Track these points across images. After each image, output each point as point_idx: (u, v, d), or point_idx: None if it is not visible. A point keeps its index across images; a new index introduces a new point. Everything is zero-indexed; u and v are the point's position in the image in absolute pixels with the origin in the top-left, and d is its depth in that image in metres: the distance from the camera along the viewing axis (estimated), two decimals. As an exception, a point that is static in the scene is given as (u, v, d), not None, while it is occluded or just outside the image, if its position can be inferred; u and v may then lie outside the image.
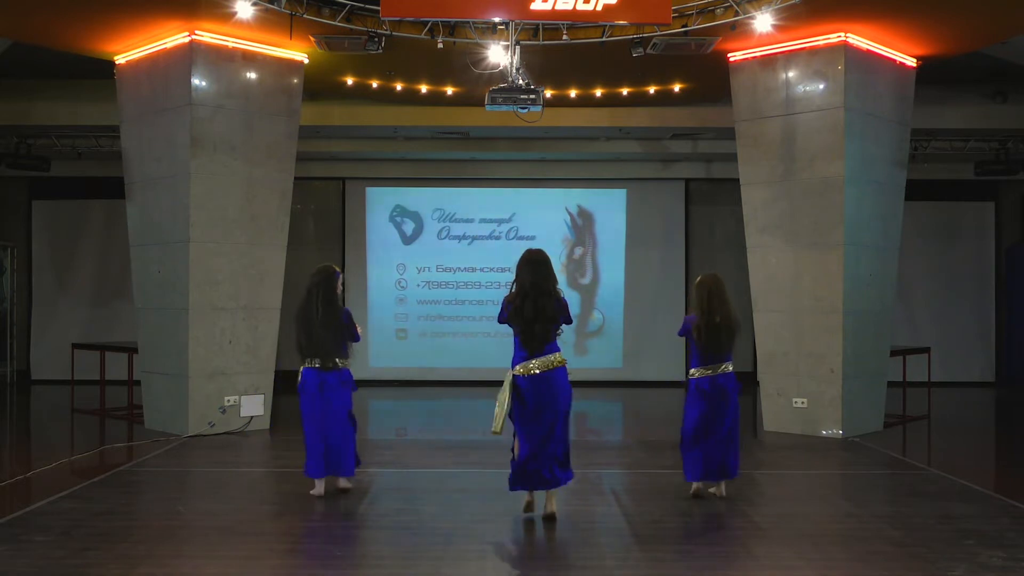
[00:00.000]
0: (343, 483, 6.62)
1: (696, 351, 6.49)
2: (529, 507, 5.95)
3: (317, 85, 10.68)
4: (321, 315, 6.38)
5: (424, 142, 13.46)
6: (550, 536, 5.61)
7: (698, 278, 6.63)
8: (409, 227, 14.65)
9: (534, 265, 5.81)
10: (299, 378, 6.51)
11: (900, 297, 11.75)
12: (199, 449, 8.42)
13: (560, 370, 5.82)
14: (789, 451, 8.50)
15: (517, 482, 5.86)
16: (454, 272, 14.57)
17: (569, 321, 5.90)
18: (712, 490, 6.55)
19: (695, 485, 6.51)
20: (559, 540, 5.55)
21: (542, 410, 5.75)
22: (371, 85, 10.99)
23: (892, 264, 9.79)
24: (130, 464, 7.74)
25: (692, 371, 6.53)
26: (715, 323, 6.35)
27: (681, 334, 6.69)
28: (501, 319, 5.90)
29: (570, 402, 5.88)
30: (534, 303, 5.72)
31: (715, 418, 6.40)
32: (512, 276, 5.96)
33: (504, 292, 6.00)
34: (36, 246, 14.64)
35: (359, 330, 6.67)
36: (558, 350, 5.84)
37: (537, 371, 5.75)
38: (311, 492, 6.54)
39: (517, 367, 5.80)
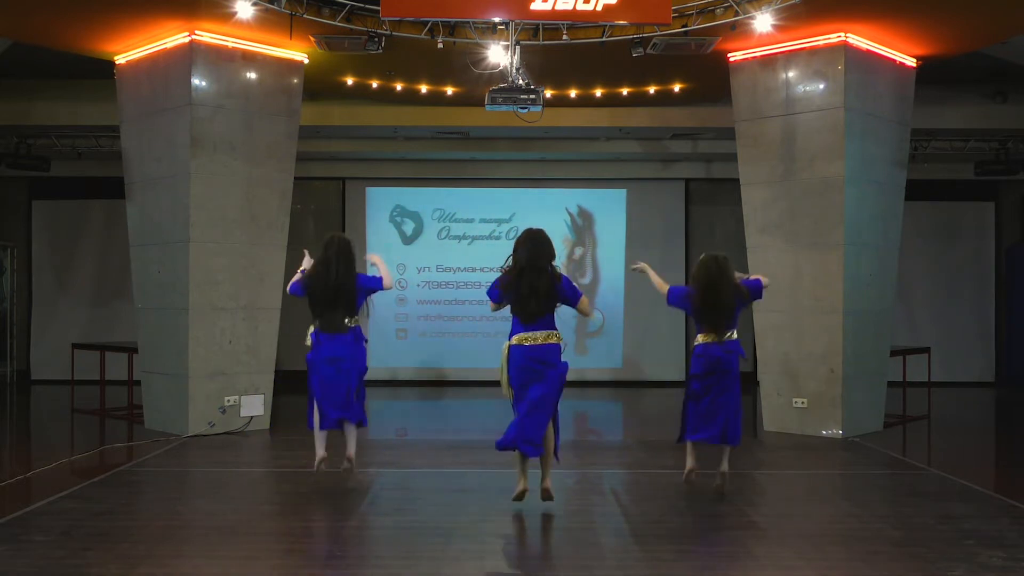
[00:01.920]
0: (350, 448, 6.58)
1: (696, 322, 6.56)
2: (521, 496, 5.95)
3: (317, 85, 10.68)
4: (340, 275, 6.38)
5: (424, 142, 13.46)
6: (550, 536, 5.62)
7: (701, 256, 6.63)
8: (409, 227, 14.65)
9: (531, 243, 5.88)
10: (309, 339, 6.57)
11: (900, 297, 11.74)
12: (199, 449, 8.42)
13: (555, 346, 5.87)
14: (789, 451, 8.50)
15: (504, 442, 5.88)
16: (454, 272, 14.57)
17: (578, 297, 5.92)
18: (717, 484, 6.55)
19: (689, 465, 6.49)
20: (559, 540, 5.56)
21: (533, 378, 5.81)
22: (371, 85, 10.99)
23: (892, 264, 9.79)
24: (130, 464, 7.74)
25: (699, 337, 6.53)
26: (710, 304, 6.40)
27: (671, 303, 6.68)
28: (491, 294, 5.98)
29: (562, 378, 5.91)
30: (529, 280, 5.79)
31: (719, 381, 6.41)
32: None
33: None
34: (36, 246, 14.63)
35: (385, 274, 6.67)
36: (555, 328, 5.91)
37: (530, 343, 5.81)
38: (316, 461, 6.54)
39: (514, 338, 5.88)
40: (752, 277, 6.87)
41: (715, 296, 6.40)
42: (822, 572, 4.84)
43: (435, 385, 14.11)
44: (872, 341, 9.49)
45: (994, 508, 6.30)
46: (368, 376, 6.83)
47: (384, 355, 14.23)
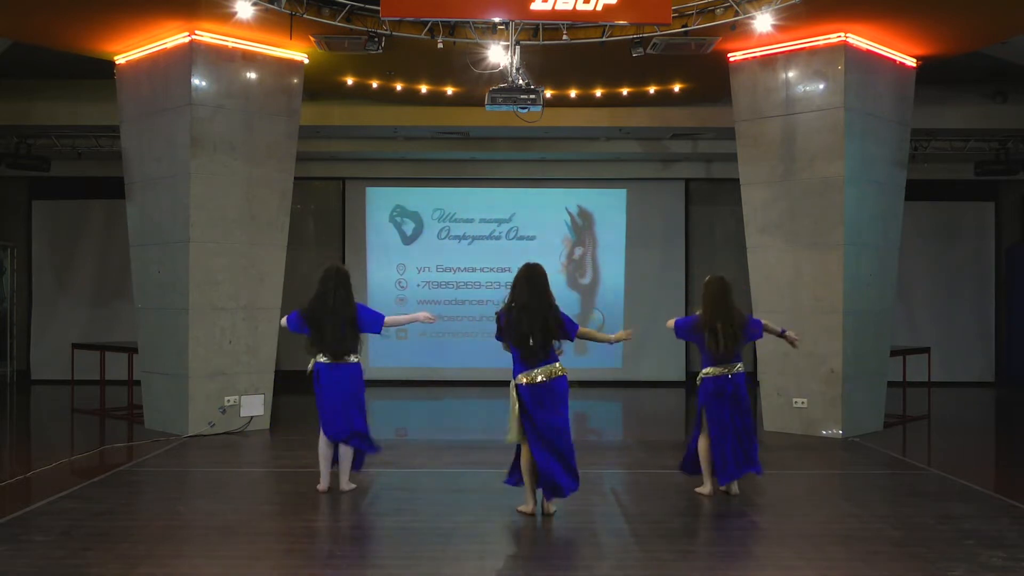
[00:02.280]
0: (345, 484, 6.62)
1: (704, 353, 6.50)
2: (530, 514, 5.95)
3: (317, 85, 10.68)
4: (335, 307, 6.40)
5: (424, 142, 13.47)
6: (550, 536, 5.62)
7: (706, 278, 6.62)
8: (409, 227, 14.65)
9: (532, 281, 5.85)
10: (311, 369, 6.55)
11: (900, 297, 11.75)
12: (199, 449, 8.42)
13: (561, 377, 5.86)
14: (789, 451, 8.50)
15: (568, 489, 5.86)
16: (454, 272, 14.57)
17: (571, 337, 5.90)
18: (723, 488, 6.55)
19: (708, 492, 6.49)
20: (559, 540, 5.56)
21: (547, 415, 5.78)
22: (371, 85, 10.99)
23: (892, 264, 9.79)
24: (130, 464, 7.74)
25: (707, 370, 6.48)
26: (715, 329, 6.35)
27: (679, 336, 6.68)
28: (497, 335, 5.97)
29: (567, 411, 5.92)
30: (530, 317, 5.75)
31: (735, 416, 6.39)
32: (511, 277, 6.01)
33: (504, 292, 6.02)
34: (36, 246, 14.63)
35: (396, 319, 6.78)
36: (558, 360, 5.87)
37: (540, 379, 5.78)
38: (317, 487, 6.56)
39: (520, 376, 5.83)
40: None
41: (724, 317, 6.33)
42: (822, 572, 4.84)
43: (435, 385, 14.11)
44: (872, 341, 9.49)
45: (994, 508, 6.30)
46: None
47: (384, 355, 14.23)
